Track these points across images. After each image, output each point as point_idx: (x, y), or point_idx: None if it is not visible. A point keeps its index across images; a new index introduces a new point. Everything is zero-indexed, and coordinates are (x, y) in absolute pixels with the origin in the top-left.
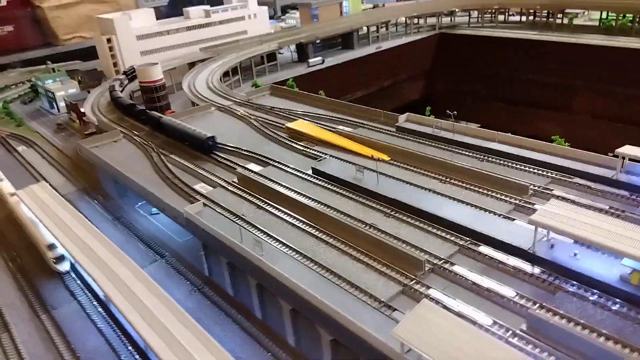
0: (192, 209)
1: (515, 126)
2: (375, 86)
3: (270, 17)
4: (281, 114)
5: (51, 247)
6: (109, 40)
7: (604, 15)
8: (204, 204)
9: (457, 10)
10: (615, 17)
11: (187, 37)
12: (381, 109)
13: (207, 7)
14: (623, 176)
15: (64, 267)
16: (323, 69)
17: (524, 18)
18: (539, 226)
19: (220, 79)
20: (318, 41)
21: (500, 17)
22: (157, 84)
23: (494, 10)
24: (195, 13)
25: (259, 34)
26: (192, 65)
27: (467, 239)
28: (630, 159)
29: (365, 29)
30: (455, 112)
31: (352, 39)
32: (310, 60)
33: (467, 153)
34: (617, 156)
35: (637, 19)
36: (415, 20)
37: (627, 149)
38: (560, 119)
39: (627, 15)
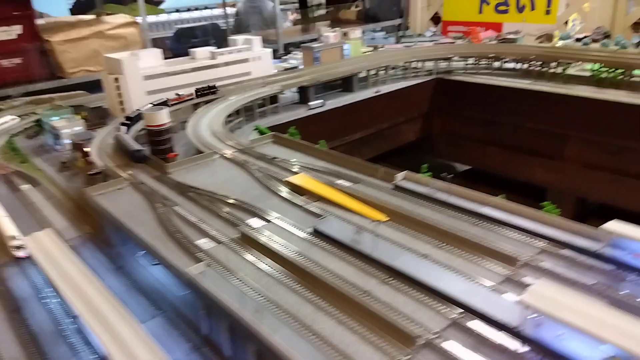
0: (194, 269)
1: (510, 171)
2: (374, 128)
3: (274, 57)
4: (282, 165)
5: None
6: (116, 80)
7: (596, 67)
8: (207, 264)
9: (453, 56)
10: (606, 70)
11: (192, 77)
12: (379, 149)
13: (213, 48)
14: (608, 250)
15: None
16: (324, 111)
17: (519, 65)
18: (527, 307)
19: (224, 122)
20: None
21: (496, 64)
22: (162, 128)
23: (490, 57)
24: (201, 54)
25: (263, 75)
26: (196, 105)
27: (461, 311)
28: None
29: (364, 72)
30: (452, 174)
31: (352, 82)
32: (310, 103)
33: (461, 216)
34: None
35: (628, 74)
36: (413, 65)
37: (613, 225)
38: (553, 166)
39: (619, 69)
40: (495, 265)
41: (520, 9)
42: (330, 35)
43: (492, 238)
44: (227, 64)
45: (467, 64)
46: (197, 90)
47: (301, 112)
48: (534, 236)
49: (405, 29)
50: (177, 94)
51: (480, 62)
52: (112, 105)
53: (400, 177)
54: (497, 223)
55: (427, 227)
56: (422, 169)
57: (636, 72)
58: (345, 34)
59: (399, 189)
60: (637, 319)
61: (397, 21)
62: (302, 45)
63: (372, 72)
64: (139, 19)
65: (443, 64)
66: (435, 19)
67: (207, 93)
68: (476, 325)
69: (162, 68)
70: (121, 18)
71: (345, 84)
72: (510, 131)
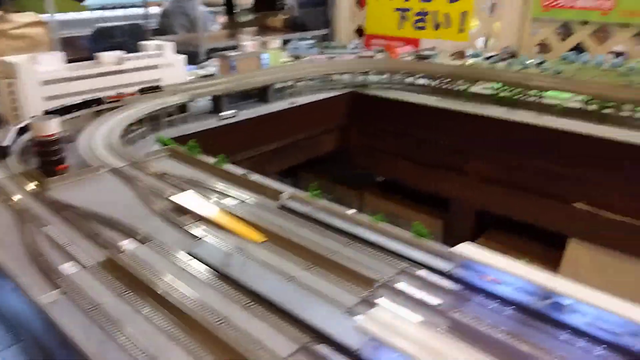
0: (46, 298)
1: (418, 183)
2: (290, 139)
3: (192, 63)
4: (172, 182)
5: None
6: (9, 85)
7: (498, 85)
8: (62, 292)
9: (368, 70)
10: (506, 89)
11: (97, 83)
12: (295, 160)
13: (121, 53)
14: (459, 271)
15: None
16: (237, 122)
17: (430, 82)
18: (363, 332)
19: (124, 133)
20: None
21: (409, 80)
22: (50, 139)
23: (403, 73)
24: (108, 59)
25: (175, 82)
26: (99, 113)
27: (312, 335)
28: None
29: (281, 82)
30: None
31: (268, 92)
32: (222, 114)
33: (336, 237)
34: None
35: (524, 93)
36: (332, 77)
37: (464, 248)
38: (455, 180)
39: (517, 88)
40: (355, 286)
41: (436, 26)
42: (248, 44)
43: (358, 259)
44: (135, 69)
45: (381, 79)
46: (141, 89)
47: (213, 122)
48: (397, 257)
49: (331, 39)
50: (119, 93)
51: (394, 77)
52: (7, 112)
53: (285, 196)
54: (368, 244)
55: (300, 249)
56: (311, 186)
57: (550, 93)
58: (264, 43)
59: (284, 208)
60: (463, 344)
61: (324, 31)
62: (219, 53)
63: (290, 82)
64: (47, 17)
65: (360, 78)
66: (360, 32)
67: (151, 92)
68: (322, 349)
69: (64, 72)
70: (27, 16)
71: (261, 94)
72: (419, 145)
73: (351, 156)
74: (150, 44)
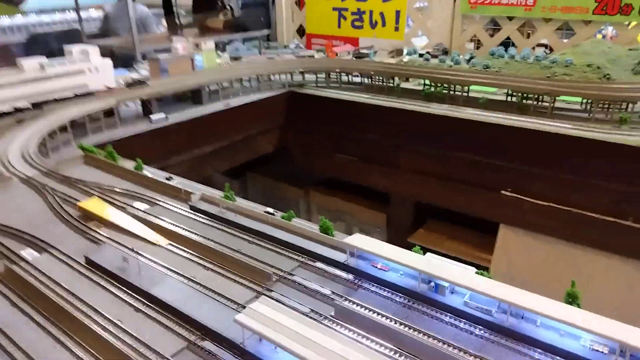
0: None
1: (358, 179)
2: (225, 141)
3: (126, 66)
4: (84, 188)
5: None
6: None
7: (426, 82)
8: None
9: (304, 70)
10: (433, 85)
11: (19, 91)
12: (233, 162)
13: (43, 59)
14: (352, 260)
15: None
16: (169, 125)
17: (365, 80)
18: (242, 326)
19: (45, 140)
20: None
21: (345, 78)
22: None
23: (337, 72)
24: (30, 65)
25: (102, 87)
26: (21, 121)
27: (200, 333)
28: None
29: (216, 84)
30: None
31: (202, 95)
32: (152, 117)
33: (242, 235)
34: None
35: (451, 88)
36: (267, 77)
37: (354, 240)
38: (391, 174)
39: (443, 84)
40: (253, 282)
41: (373, 25)
42: (179, 46)
43: (260, 256)
44: (59, 76)
45: (318, 78)
46: (128, 84)
47: (142, 127)
48: (299, 251)
49: (274, 39)
50: (107, 87)
51: (330, 76)
52: None
53: (196, 197)
54: (273, 240)
55: (204, 249)
56: (225, 188)
57: (476, 87)
58: (197, 45)
59: (194, 209)
60: (346, 332)
61: (266, 32)
62: (149, 56)
63: (226, 84)
64: None
65: (297, 77)
66: (302, 31)
67: (136, 86)
68: (208, 346)
69: None
70: None
71: (195, 96)
72: (355, 142)
73: (291, 155)
74: (75, 49)
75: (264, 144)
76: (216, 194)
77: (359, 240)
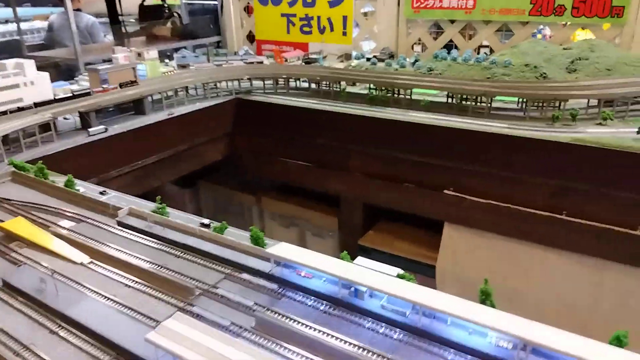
0: None
1: (310, 183)
2: (171, 150)
3: (70, 77)
4: (9, 207)
5: None
6: None
7: (371, 86)
8: None
9: (250, 77)
10: (377, 89)
11: None
12: (179, 171)
13: None
14: (277, 270)
15: None
16: (109, 137)
17: (312, 85)
18: (154, 345)
19: None
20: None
21: (293, 84)
22: None
23: (285, 78)
24: None
25: (39, 100)
26: None
27: (115, 353)
28: (277, 260)
29: (159, 93)
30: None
31: (144, 105)
32: (90, 130)
33: (169, 249)
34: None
35: (394, 92)
36: (213, 85)
37: (277, 249)
38: (342, 177)
39: (387, 88)
40: (175, 298)
41: (322, 30)
42: (120, 56)
43: (185, 270)
44: None
45: (266, 84)
46: (120, 84)
47: (80, 140)
48: (225, 263)
49: (224, 46)
50: (103, 87)
51: (278, 82)
52: None
53: (123, 212)
54: (199, 254)
55: (127, 266)
56: (157, 200)
57: (418, 90)
58: (139, 55)
59: (121, 225)
60: (261, 344)
61: (215, 39)
62: (88, 67)
63: (171, 92)
64: None
65: (245, 84)
66: (252, 38)
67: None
68: None
69: None
70: None
71: (137, 107)
72: (304, 147)
73: (241, 162)
74: (9, 62)
75: (211, 152)
76: (149, 207)
77: (282, 249)
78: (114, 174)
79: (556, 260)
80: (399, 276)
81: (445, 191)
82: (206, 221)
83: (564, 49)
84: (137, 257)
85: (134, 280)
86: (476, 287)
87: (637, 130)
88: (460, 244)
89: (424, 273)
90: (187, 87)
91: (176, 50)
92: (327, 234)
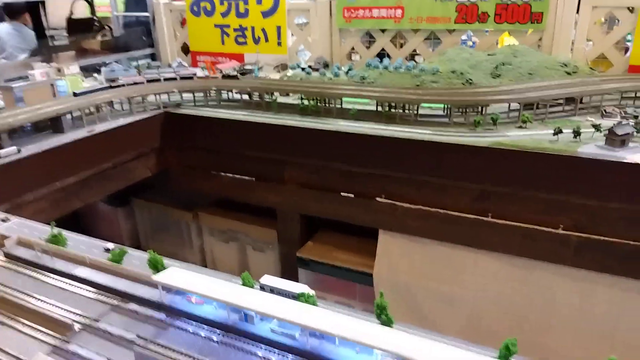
0: None
1: (246, 197)
2: (94, 169)
3: None
4: None
5: None
6: None
7: (303, 96)
8: None
9: (176, 90)
10: (307, 99)
11: None
12: (105, 191)
13: None
14: (168, 297)
15: None
16: (20, 159)
17: (244, 96)
18: None
19: None
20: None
21: (225, 95)
22: None
23: (216, 91)
24: None
25: None
26: None
27: None
28: (165, 287)
29: (79, 110)
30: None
31: (62, 122)
32: (0, 152)
33: (56, 281)
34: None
35: (325, 102)
36: (141, 99)
37: (165, 275)
38: (277, 189)
39: (316, 98)
40: (51, 334)
41: (256, 41)
42: (37, 72)
43: (67, 303)
44: None
45: (196, 96)
46: None
47: None
48: (112, 293)
49: (159, 59)
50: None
51: (209, 95)
52: None
53: (10, 242)
54: (87, 284)
55: (3, 301)
56: (51, 225)
57: (348, 99)
58: (59, 70)
59: (8, 256)
60: None
61: (148, 51)
62: (1, 85)
63: (92, 109)
64: None
65: (176, 97)
66: (188, 49)
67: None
68: None
69: None
70: None
71: (55, 125)
72: (238, 160)
73: (173, 178)
74: None
75: (140, 169)
76: (44, 233)
77: (170, 275)
78: (30, 198)
79: (486, 262)
80: (298, 295)
81: (378, 199)
82: (110, 246)
83: (489, 55)
84: (17, 291)
85: (7, 317)
86: (412, 292)
87: (553, 131)
88: (394, 250)
89: (363, 282)
90: (111, 102)
91: (106, 64)
92: (267, 247)
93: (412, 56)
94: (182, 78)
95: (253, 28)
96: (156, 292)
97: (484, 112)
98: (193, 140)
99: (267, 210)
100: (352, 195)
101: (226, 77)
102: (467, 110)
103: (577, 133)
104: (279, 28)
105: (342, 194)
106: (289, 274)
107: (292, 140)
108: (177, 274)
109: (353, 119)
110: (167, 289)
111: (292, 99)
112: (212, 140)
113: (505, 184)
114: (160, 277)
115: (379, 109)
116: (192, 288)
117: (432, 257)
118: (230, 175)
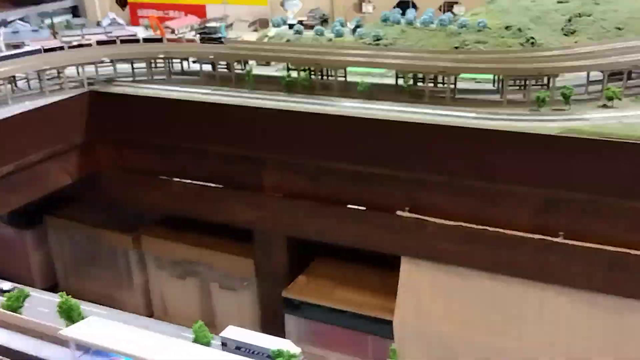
0: None
1: (205, 212)
2: None
3: None
4: None
5: None
6: None
7: (290, 66)
8: None
9: (107, 59)
10: (297, 70)
11: None
12: (6, 206)
13: None
14: (85, 358)
15: None
16: None
17: (204, 67)
18: None
19: None
20: None
21: (178, 67)
22: None
23: (164, 60)
24: None
25: None
26: None
27: None
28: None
29: None
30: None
31: None
32: None
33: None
34: None
35: (322, 73)
36: (56, 74)
37: (74, 331)
38: (252, 200)
39: (309, 68)
40: None
41: None
42: None
43: None
44: None
45: (137, 68)
46: None
47: None
48: (5, 356)
49: (83, 14)
50: None
51: (156, 65)
52: None
53: None
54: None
55: None
56: None
57: (356, 69)
58: None
59: None
60: None
61: (68, 3)
62: None
63: None
64: None
65: (105, 70)
66: (124, 2)
67: None
68: None
69: None
70: None
71: None
72: (198, 159)
73: (104, 187)
74: None
75: (56, 174)
76: None
77: (88, 328)
78: None
79: (557, 302)
80: (274, 356)
81: (400, 212)
82: (6, 286)
83: (559, 1)
84: None
85: None
86: (449, 347)
87: None
88: (423, 286)
89: (378, 332)
90: (13, 77)
91: (6, 23)
92: (240, 285)
93: (448, 5)
94: (121, 41)
95: None
96: (66, 354)
97: (551, 86)
98: (132, 132)
99: (240, 232)
100: (362, 208)
101: (180, 39)
102: (528, 82)
103: None
104: None
105: (349, 206)
106: (272, 322)
107: (275, 129)
108: (97, 326)
109: (363, 98)
110: (83, 348)
111: (275, 70)
112: (160, 132)
113: (584, 190)
114: (72, 332)
115: (400, 82)
116: (116, 346)
117: (478, 297)
118: (187, 181)
